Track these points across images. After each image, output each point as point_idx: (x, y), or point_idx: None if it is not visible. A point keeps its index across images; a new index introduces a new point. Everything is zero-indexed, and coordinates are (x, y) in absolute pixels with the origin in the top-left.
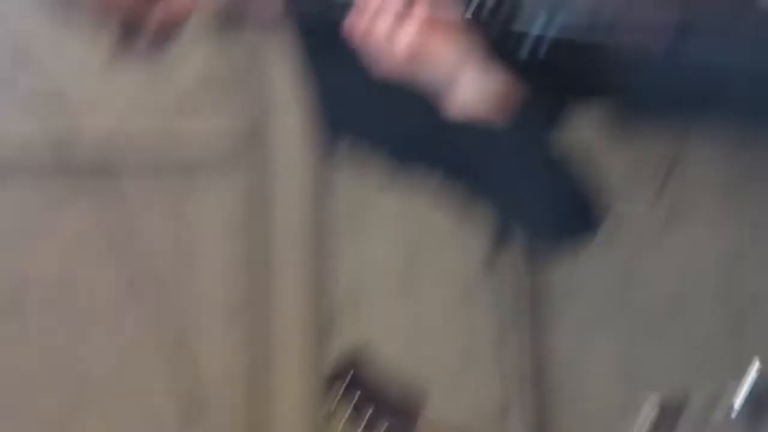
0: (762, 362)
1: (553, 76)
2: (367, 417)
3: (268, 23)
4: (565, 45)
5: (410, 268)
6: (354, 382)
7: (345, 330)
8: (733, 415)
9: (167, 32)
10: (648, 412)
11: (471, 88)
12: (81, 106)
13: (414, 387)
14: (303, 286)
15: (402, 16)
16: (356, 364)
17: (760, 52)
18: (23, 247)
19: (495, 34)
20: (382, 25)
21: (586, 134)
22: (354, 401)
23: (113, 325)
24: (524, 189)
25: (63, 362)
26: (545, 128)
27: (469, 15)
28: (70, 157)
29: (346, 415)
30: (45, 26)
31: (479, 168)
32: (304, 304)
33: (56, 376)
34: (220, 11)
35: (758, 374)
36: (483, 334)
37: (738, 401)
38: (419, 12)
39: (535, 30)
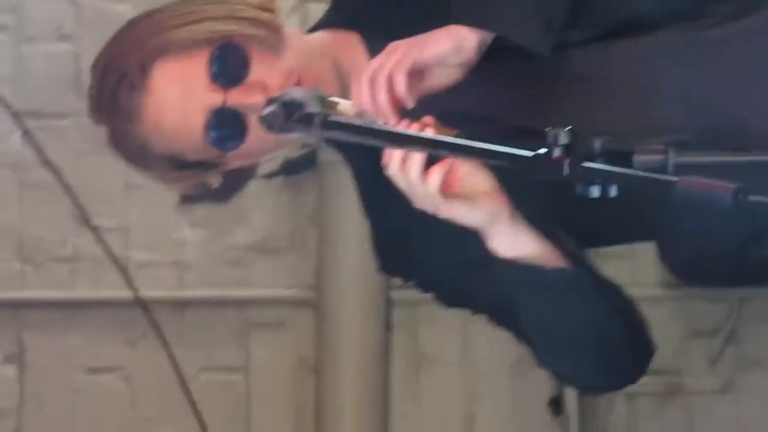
0: None
1: (618, 217)
2: None
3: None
4: (637, 186)
5: (470, 423)
6: None
7: None
8: None
9: (232, 187)
10: None
11: (510, 236)
12: (142, 271)
13: None
14: None
15: (426, 169)
16: None
17: None
18: None
19: (565, 175)
20: (410, 173)
21: (643, 292)
22: None
23: None
24: (571, 328)
25: None
26: (594, 269)
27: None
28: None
29: None
30: (106, 190)
31: (525, 307)
32: None
33: None
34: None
35: None
36: None
37: None
38: (444, 166)
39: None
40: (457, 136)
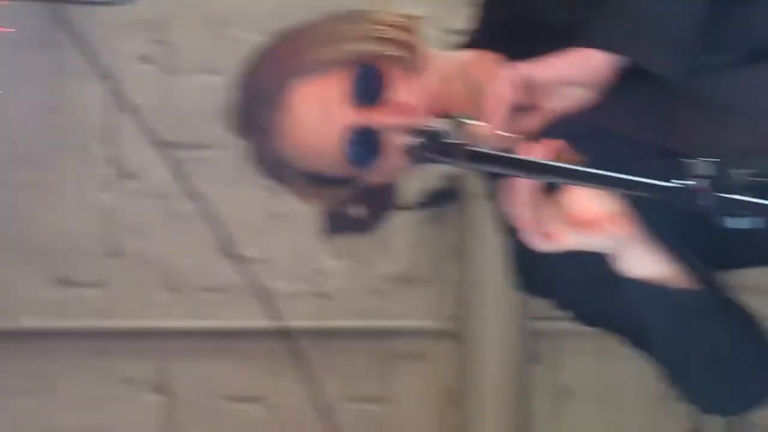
0: None
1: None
2: None
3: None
4: None
5: None
6: None
7: None
8: None
9: (375, 214)
10: None
11: (638, 257)
12: (286, 300)
13: None
14: None
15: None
16: None
17: None
18: None
19: (708, 207)
20: (528, 215)
21: None
22: None
23: None
24: (700, 349)
25: None
26: (729, 292)
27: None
28: (273, 349)
29: None
30: (251, 221)
31: (655, 327)
32: None
33: None
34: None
35: None
36: None
37: None
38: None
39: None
40: (585, 162)
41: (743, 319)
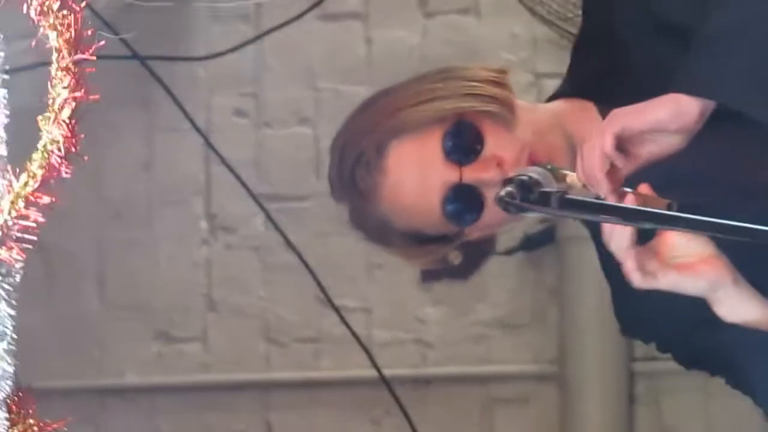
0: None
1: None
2: None
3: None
4: None
5: None
6: None
7: None
8: None
9: (473, 265)
10: None
11: (735, 301)
12: (385, 349)
13: None
14: None
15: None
16: None
17: None
18: None
19: None
20: (621, 246)
21: None
22: None
23: None
24: None
25: None
26: None
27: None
28: (373, 398)
29: None
30: (347, 271)
31: (755, 371)
32: None
33: None
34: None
35: None
36: None
37: None
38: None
39: None
40: (669, 205)
41: None
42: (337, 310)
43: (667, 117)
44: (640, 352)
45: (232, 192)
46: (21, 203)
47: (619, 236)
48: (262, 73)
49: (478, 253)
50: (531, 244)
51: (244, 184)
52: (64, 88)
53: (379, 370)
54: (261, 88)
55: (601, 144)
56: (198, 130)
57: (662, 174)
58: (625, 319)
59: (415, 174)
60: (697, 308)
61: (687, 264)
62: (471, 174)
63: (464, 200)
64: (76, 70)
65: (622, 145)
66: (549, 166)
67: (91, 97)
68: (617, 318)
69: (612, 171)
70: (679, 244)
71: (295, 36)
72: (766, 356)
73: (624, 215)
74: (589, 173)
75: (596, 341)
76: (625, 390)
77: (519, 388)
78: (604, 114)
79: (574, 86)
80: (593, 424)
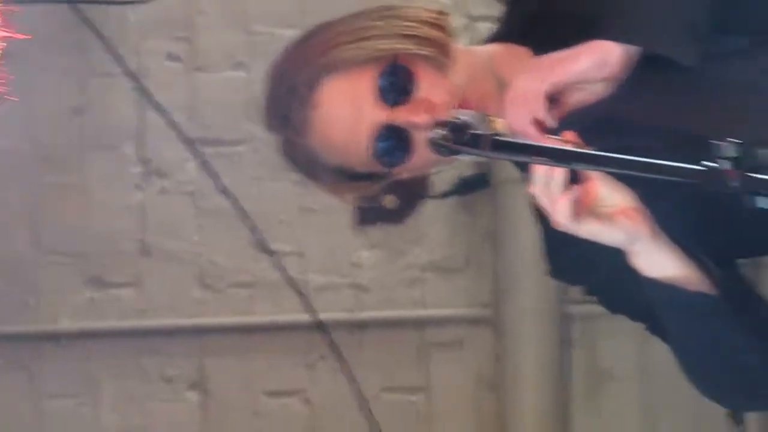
0: None
1: None
2: None
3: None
4: None
5: None
6: None
7: None
8: None
9: (405, 207)
10: None
11: (652, 255)
12: (319, 293)
13: None
14: None
15: (570, 189)
16: None
17: None
18: None
19: (735, 188)
20: (549, 189)
21: None
22: None
23: None
24: (710, 349)
25: None
26: (750, 291)
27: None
28: (308, 343)
29: None
30: (282, 215)
31: (667, 324)
32: None
33: None
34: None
35: None
36: None
37: None
38: (573, 193)
39: None
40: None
41: (759, 320)
42: (271, 254)
43: (592, 66)
44: (575, 295)
45: (166, 137)
46: None
47: (547, 178)
48: (195, 17)
49: (412, 196)
50: (465, 187)
51: (177, 129)
52: None
53: (313, 315)
54: (194, 33)
55: (529, 103)
56: (130, 74)
57: (590, 120)
58: (554, 262)
59: (346, 111)
60: (621, 255)
61: (607, 214)
62: (401, 116)
63: (393, 141)
64: (2, 9)
65: (548, 95)
66: (480, 113)
67: (20, 35)
68: (547, 261)
69: (539, 120)
70: (602, 194)
71: None
72: (678, 313)
73: (554, 156)
74: (516, 125)
75: (531, 284)
76: (559, 333)
77: (454, 331)
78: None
79: (508, 30)
80: (528, 366)
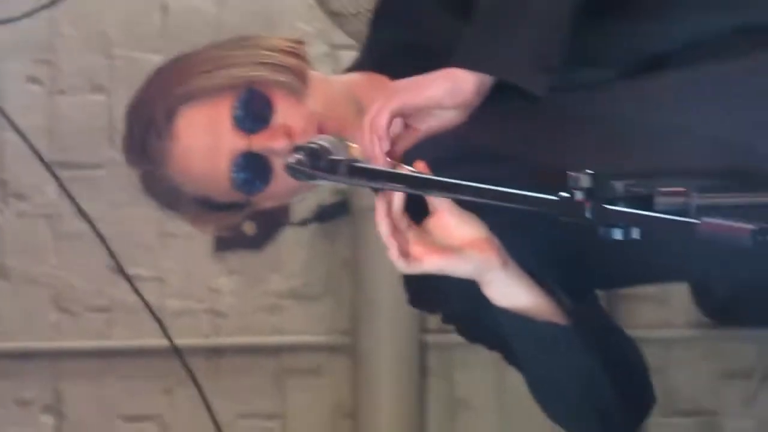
0: None
1: (643, 259)
2: None
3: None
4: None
5: None
6: None
7: None
8: None
9: (265, 234)
10: None
11: (503, 285)
12: (177, 318)
13: None
14: None
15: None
16: None
17: None
18: None
19: (588, 219)
20: (388, 229)
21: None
22: None
23: None
24: (561, 380)
25: None
26: (601, 315)
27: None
28: (166, 369)
29: None
30: (141, 240)
31: (519, 354)
32: None
33: None
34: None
35: None
36: None
37: None
38: (416, 236)
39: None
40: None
41: (610, 349)
42: (128, 279)
43: (443, 93)
44: (432, 324)
45: (24, 159)
46: None
47: (379, 222)
48: (56, 40)
49: (272, 223)
50: (325, 215)
51: (35, 151)
52: None
53: (170, 340)
54: (55, 55)
55: (375, 124)
56: None
57: (443, 148)
58: (412, 290)
59: (204, 141)
60: (475, 285)
61: (454, 247)
62: (260, 143)
63: (252, 169)
64: None
65: (401, 119)
66: (339, 139)
67: None
68: (405, 289)
69: (390, 147)
70: (450, 225)
71: (90, 2)
72: (528, 344)
73: (408, 183)
74: (367, 149)
75: (388, 312)
76: (417, 361)
77: (312, 358)
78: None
79: (370, 59)
80: (385, 395)
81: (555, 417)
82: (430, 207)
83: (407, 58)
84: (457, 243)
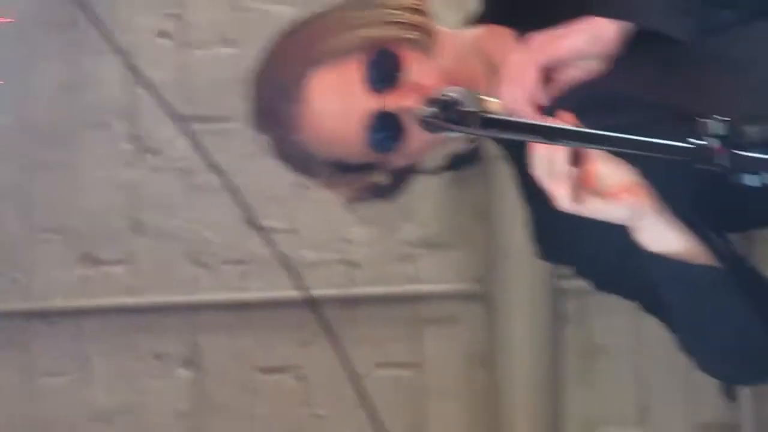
0: None
1: None
2: None
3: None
4: None
5: (644, 413)
6: None
7: None
8: None
9: (397, 189)
10: None
11: (656, 230)
12: (311, 269)
13: None
14: None
15: (571, 169)
16: None
17: None
18: None
19: (724, 166)
20: (551, 171)
21: None
22: None
23: None
24: (714, 324)
25: None
26: (749, 266)
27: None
28: (301, 320)
29: None
30: (274, 191)
31: (670, 299)
32: None
33: None
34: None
35: None
36: None
37: None
38: (588, 169)
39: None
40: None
41: (763, 293)
42: (262, 231)
43: (585, 43)
44: (566, 269)
45: (156, 114)
46: None
47: (549, 160)
48: None
49: (403, 173)
50: (457, 163)
51: (167, 106)
52: None
53: (306, 291)
54: (184, 9)
55: (524, 80)
56: (120, 51)
57: (583, 97)
58: (543, 243)
59: (336, 103)
60: (614, 234)
61: (611, 192)
62: (392, 101)
63: (385, 128)
64: None
65: (542, 73)
66: (471, 92)
67: (4, 19)
68: (534, 242)
69: (533, 98)
70: (604, 172)
71: None
72: (681, 288)
73: (545, 134)
74: (512, 104)
75: (523, 260)
76: (552, 308)
77: (446, 307)
78: (523, 38)
79: (491, 11)
80: (521, 342)
81: (703, 362)
82: (581, 155)
83: (530, 10)
84: (611, 189)
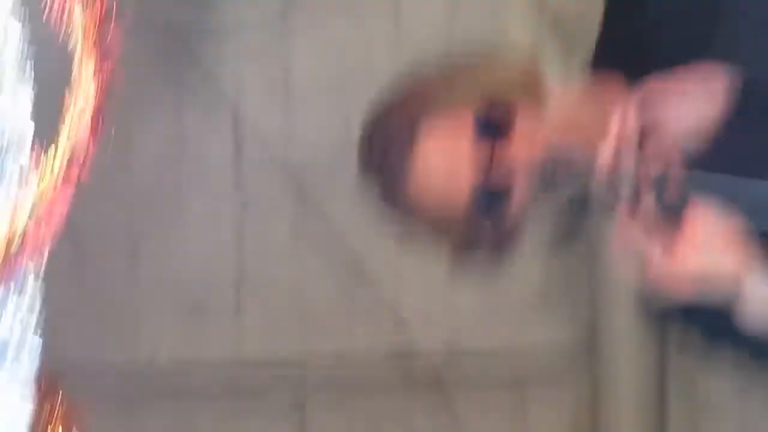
0: None
1: None
2: None
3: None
4: None
5: None
6: None
7: None
8: None
9: (503, 246)
10: None
11: (760, 301)
12: (417, 322)
13: None
14: None
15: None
16: None
17: None
18: None
19: None
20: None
21: None
22: None
23: None
24: None
25: None
26: None
27: None
28: (406, 373)
29: None
30: (380, 242)
31: None
32: None
33: None
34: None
35: None
36: None
37: None
38: (688, 234)
39: None
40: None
41: None
42: (368, 283)
43: (700, 88)
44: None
45: (262, 165)
46: (49, 180)
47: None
48: (294, 43)
49: (507, 242)
50: (569, 237)
51: (274, 158)
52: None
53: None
54: (291, 60)
55: (627, 133)
56: (227, 102)
57: (696, 149)
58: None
59: (447, 156)
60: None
61: (716, 244)
62: (501, 155)
63: (494, 182)
64: (101, 44)
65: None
66: (579, 148)
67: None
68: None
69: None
70: (709, 226)
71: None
72: None
73: (667, 188)
74: (617, 158)
75: (629, 317)
76: (658, 363)
77: (551, 363)
78: (635, 84)
79: (601, 57)
80: (626, 398)
81: None
82: (685, 212)
83: (642, 56)
84: (716, 240)
